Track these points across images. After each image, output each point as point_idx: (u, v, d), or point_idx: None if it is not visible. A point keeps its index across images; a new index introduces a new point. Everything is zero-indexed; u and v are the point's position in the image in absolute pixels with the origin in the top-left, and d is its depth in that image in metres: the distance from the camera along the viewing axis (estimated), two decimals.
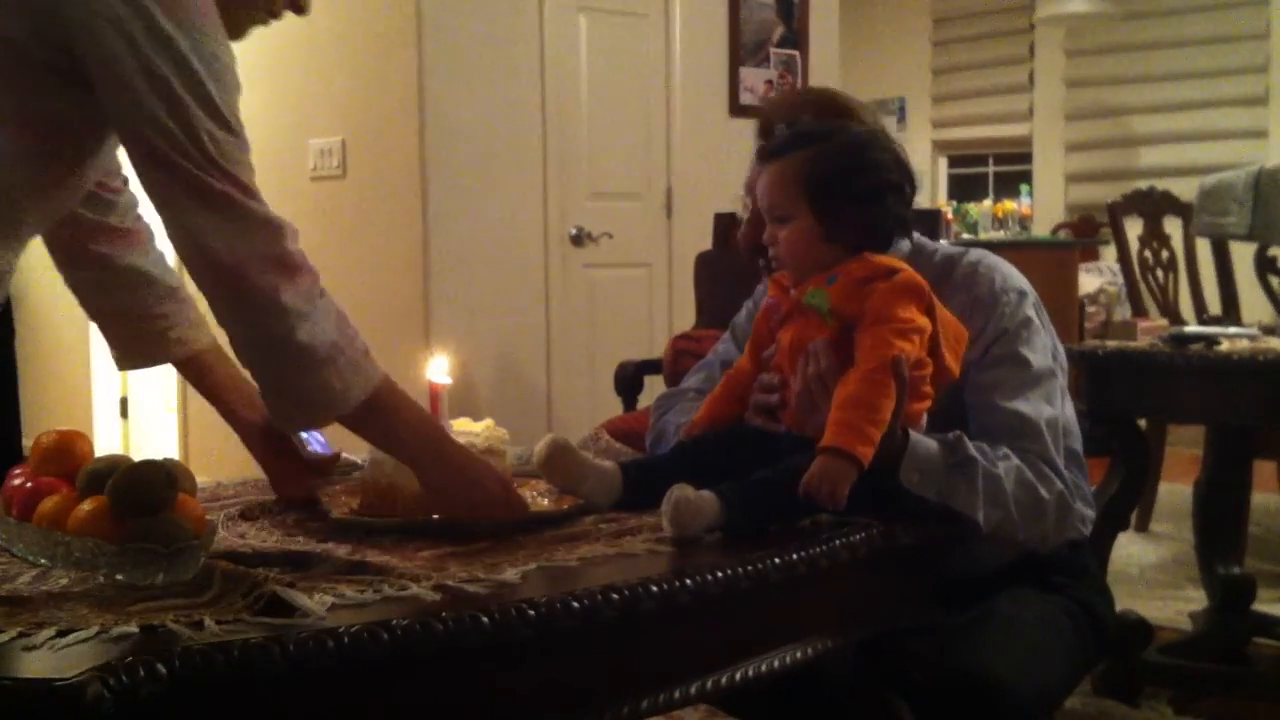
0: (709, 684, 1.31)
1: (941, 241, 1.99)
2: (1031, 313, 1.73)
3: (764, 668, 1.36)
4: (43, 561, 1.24)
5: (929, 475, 1.53)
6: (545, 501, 1.55)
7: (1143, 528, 4.46)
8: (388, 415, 1.39)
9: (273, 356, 1.33)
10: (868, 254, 1.59)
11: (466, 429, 1.55)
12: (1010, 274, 1.77)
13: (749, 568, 1.31)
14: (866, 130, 1.70)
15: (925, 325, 1.54)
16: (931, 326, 1.55)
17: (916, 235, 1.83)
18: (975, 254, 1.79)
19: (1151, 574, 4.00)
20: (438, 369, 1.56)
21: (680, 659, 1.30)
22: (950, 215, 6.95)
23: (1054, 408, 1.67)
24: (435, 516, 1.44)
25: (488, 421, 1.56)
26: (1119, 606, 2.05)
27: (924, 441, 1.54)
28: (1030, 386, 1.67)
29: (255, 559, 1.28)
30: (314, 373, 1.32)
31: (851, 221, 1.60)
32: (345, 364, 1.33)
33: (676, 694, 1.28)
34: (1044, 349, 1.72)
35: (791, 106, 1.92)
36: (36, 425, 1.74)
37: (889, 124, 8.41)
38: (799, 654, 1.40)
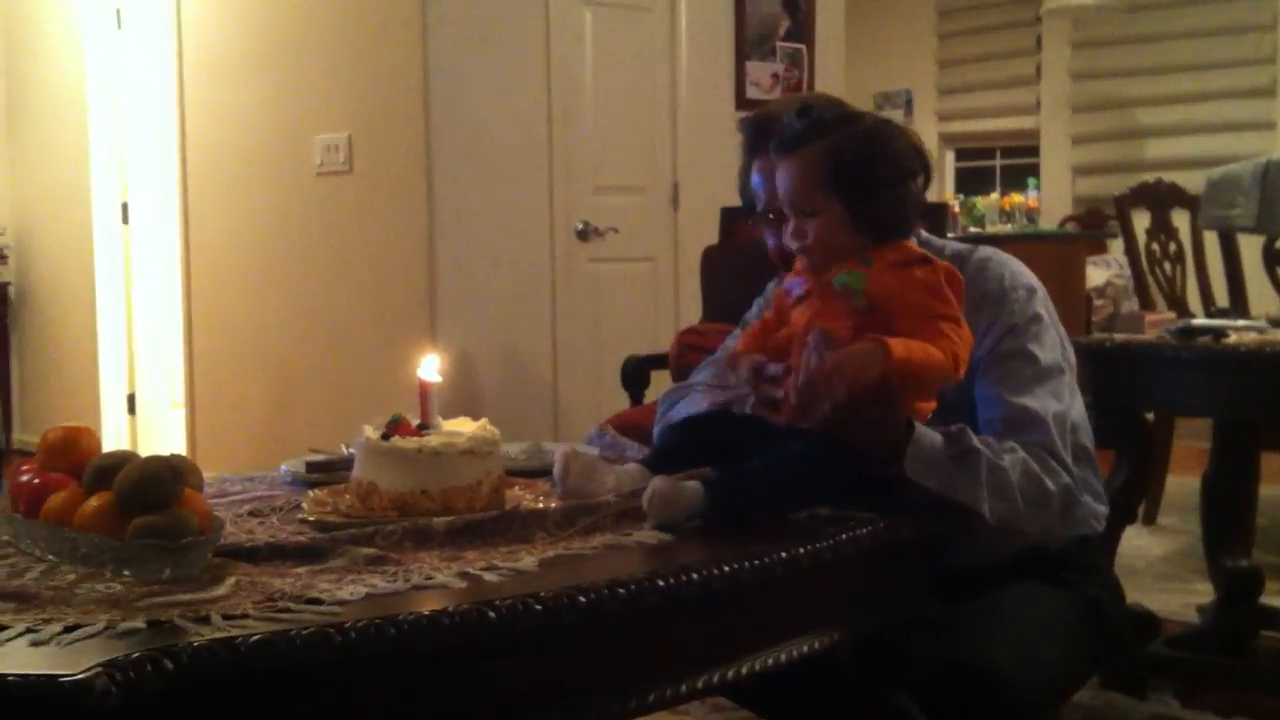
0: (714, 678, 1.31)
1: (949, 237, 1.99)
2: (1040, 309, 1.73)
3: (770, 661, 1.36)
4: (50, 557, 1.24)
5: (932, 466, 1.53)
6: (544, 503, 1.52)
7: (1150, 521, 4.46)
8: None
9: None
10: (899, 240, 1.60)
11: (459, 428, 1.51)
12: (1019, 271, 1.77)
13: (753, 562, 1.31)
14: (880, 118, 1.68)
15: (962, 319, 1.56)
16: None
17: (923, 232, 1.82)
18: (984, 251, 1.79)
19: (1158, 567, 4.00)
20: (428, 367, 1.53)
21: (685, 653, 1.30)
22: (957, 209, 6.94)
23: (1061, 403, 1.67)
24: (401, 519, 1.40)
25: (482, 421, 1.52)
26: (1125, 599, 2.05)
27: (927, 433, 1.54)
28: (1038, 382, 1.67)
29: (270, 551, 1.28)
30: None
31: (878, 208, 1.59)
32: None
33: (683, 688, 1.28)
34: (1052, 345, 1.72)
35: (792, 105, 1.92)
36: (43, 421, 1.75)
37: (895, 117, 8.42)
38: (804, 648, 1.40)
